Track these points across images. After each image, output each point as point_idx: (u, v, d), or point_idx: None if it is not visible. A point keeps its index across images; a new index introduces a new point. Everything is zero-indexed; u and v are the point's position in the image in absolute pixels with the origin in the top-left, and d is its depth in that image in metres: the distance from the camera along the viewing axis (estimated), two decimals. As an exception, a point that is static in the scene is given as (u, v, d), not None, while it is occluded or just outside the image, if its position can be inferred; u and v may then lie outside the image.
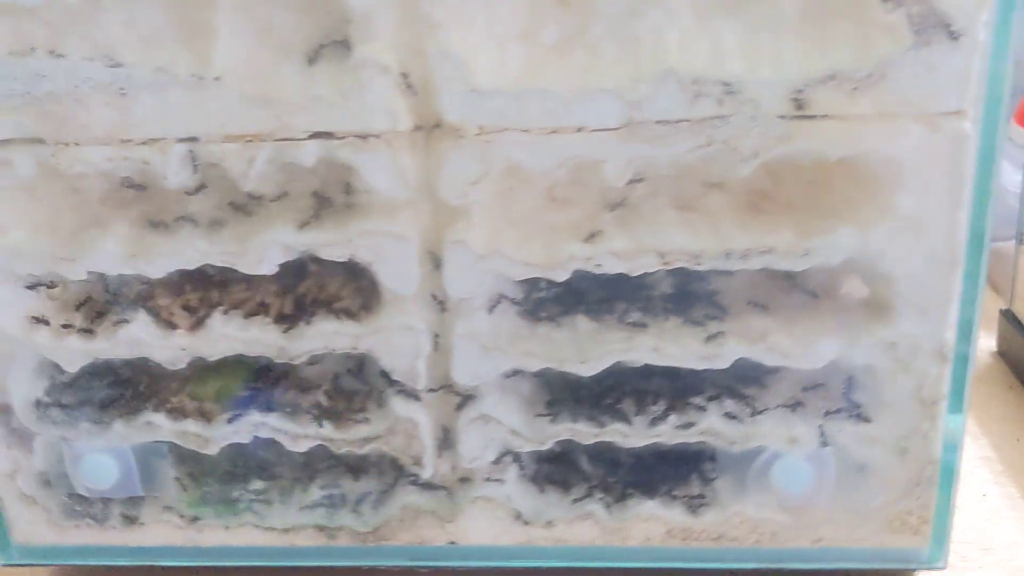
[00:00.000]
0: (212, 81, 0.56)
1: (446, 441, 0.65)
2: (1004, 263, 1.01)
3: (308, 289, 0.65)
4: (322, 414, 0.66)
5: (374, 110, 0.56)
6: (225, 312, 0.64)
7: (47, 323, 0.65)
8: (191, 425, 0.66)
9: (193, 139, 0.58)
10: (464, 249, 0.59)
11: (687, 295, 0.64)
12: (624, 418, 0.63)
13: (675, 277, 0.65)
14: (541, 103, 0.55)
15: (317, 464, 0.70)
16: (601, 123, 0.56)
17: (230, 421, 0.66)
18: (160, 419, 0.66)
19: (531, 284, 0.64)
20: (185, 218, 0.63)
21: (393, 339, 0.62)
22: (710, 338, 0.61)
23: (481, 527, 0.66)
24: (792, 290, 0.65)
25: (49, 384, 0.68)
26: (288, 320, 0.64)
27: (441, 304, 0.62)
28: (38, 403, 0.67)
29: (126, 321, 0.64)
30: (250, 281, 0.65)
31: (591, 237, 0.60)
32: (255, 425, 0.65)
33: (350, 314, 0.63)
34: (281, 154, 0.58)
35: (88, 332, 0.65)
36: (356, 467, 0.70)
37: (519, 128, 0.56)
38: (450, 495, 0.66)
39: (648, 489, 0.67)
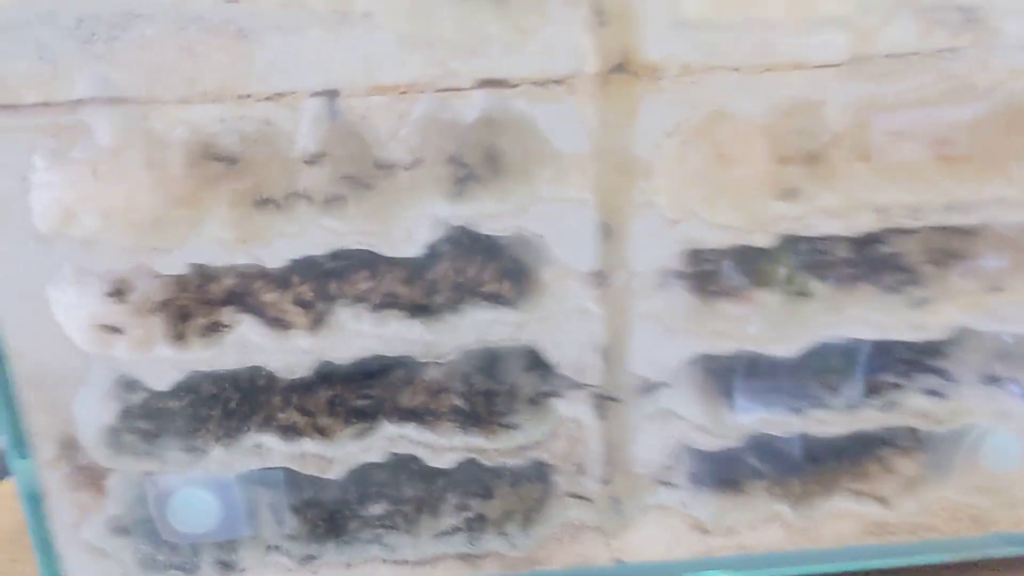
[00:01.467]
0: (359, 18, 0.46)
1: (615, 443, 0.56)
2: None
3: (444, 274, 0.55)
4: (466, 421, 0.56)
5: (557, 50, 0.47)
6: (348, 305, 0.53)
7: (120, 331, 0.53)
8: (309, 445, 0.54)
9: (332, 92, 0.47)
10: (653, 213, 0.50)
11: (867, 259, 0.57)
12: (821, 403, 0.56)
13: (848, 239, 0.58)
14: (757, 36, 0.47)
15: (446, 481, 0.59)
16: (824, 58, 0.48)
17: (357, 436, 0.55)
18: (271, 440, 0.54)
19: (695, 255, 0.55)
20: (298, 194, 0.52)
21: (563, 326, 0.52)
22: (916, 304, 0.54)
23: (652, 540, 0.57)
24: (967, 250, 0.58)
25: (122, 409, 0.55)
26: (422, 311, 0.54)
27: (604, 281, 0.53)
28: (111, 432, 0.54)
29: (221, 325, 0.53)
30: (373, 268, 0.54)
31: (790, 195, 0.52)
32: (390, 440, 0.55)
33: (502, 300, 0.53)
34: (441, 108, 0.48)
35: (179, 340, 0.53)
36: (490, 481, 0.59)
37: (729, 66, 0.48)
38: (617, 506, 0.57)
39: (831, 482, 0.59)
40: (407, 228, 0.50)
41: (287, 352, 0.52)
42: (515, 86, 0.47)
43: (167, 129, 0.47)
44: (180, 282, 0.54)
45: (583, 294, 0.52)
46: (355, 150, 0.52)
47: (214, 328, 0.53)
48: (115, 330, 0.52)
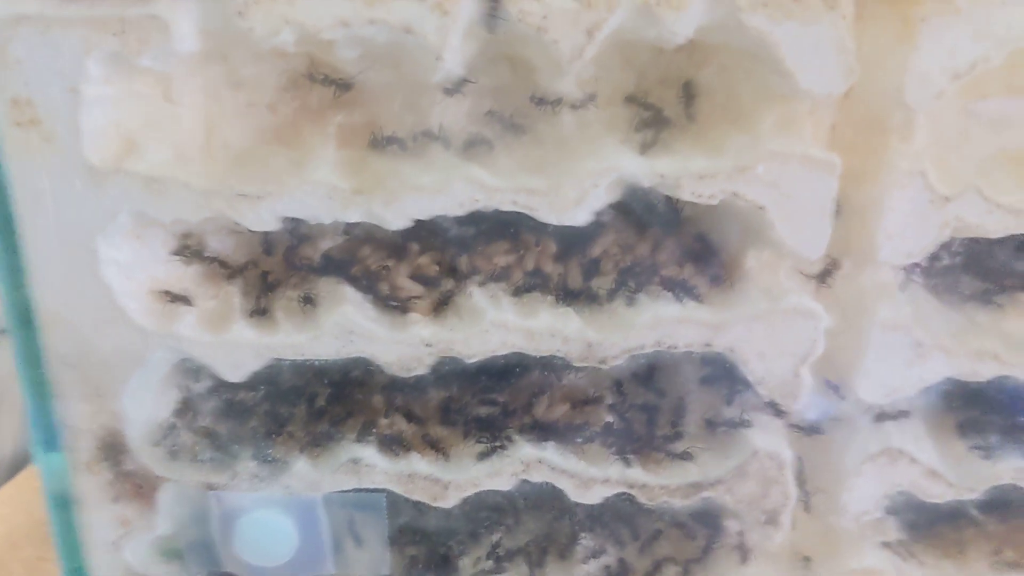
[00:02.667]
0: None
1: (819, 488, 0.42)
2: None
3: (607, 251, 0.42)
4: (622, 445, 0.43)
5: (820, -56, 0.33)
6: (482, 284, 0.40)
7: (189, 303, 0.40)
8: (421, 464, 0.42)
9: (498, -9, 0.34)
10: (919, 186, 0.37)
11: None
12: (1097, 452, 0.42)
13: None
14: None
15: (582, 516, 0.46)
16: None
17: (483, 456, 0.42)
18: (371, 454, 0.42)
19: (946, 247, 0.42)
20: (430, 134, 0.39)
21: (773, 331, 0.39)
22: None
23: (852, 614, 0.44)
24: None
25: (181, 400, 0.43)
26: (579, 299, 0.41)
27: (834, 275, 0.39)
28: (168, 431, 0.42)
29: (317, 300, 0.40)
30: (515, 238, 0.41)
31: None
32: (525, 464, 0.42)
33: (689, 291, 0.40)
34: (646, 22, 0.35)
35: (262, 316, 0.40)
36: (639, 521, 0.46)
37: (1050, -15, 0.34)
38: (808, 567, 0.44)
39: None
40: (581, 186, 0.37)
41: (404, 343, 0.39)
42: (753, -5, 0.34)
43: (270, 31, 0.34)
44: (266, 241, 0.42)
45: (804, 289, 0.39)
46: (506, 79, 0.39)
47: (309, 303, 0.40)
48: (181, 299, 0.40)
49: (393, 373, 0.40)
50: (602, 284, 0.41)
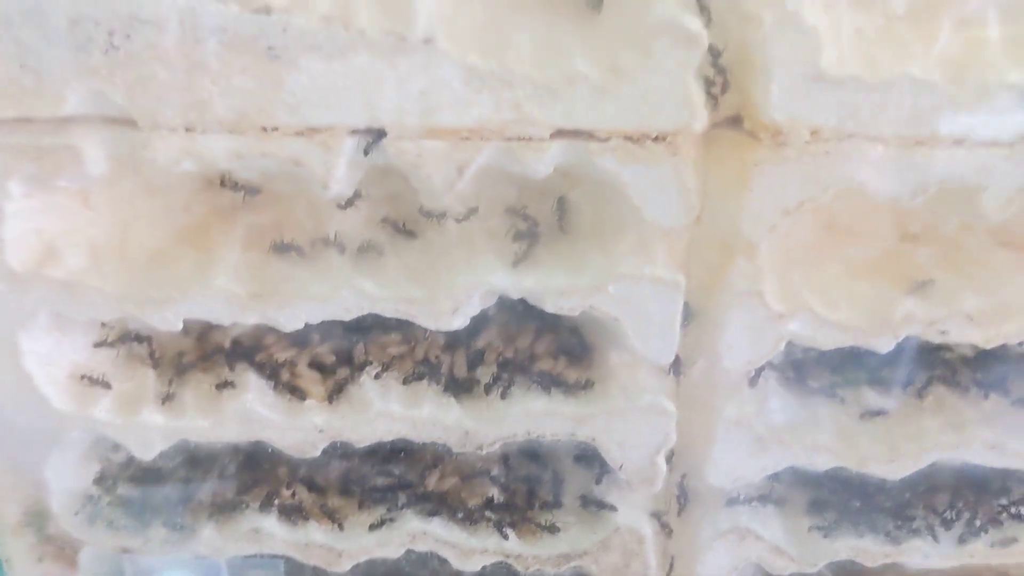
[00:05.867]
0: (418, 44, 0.36)
1: (677, 560, 0.47)
2: None
3: (490, 343, 0.46)
4: (502, 516, 0.47)
5: (661, 98, 0.37)
6: (377, 376, 0.45)
7: (107, 386, 0.44)
8: (317, 533, 0.46)
9: (376, 132, 0.38)
10: (756, 304, 0.41)
11: (992, 364, 0.48)
12: (926, 532, 0.47)
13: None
14: (912, 100, 0.37)
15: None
16: (993, 134, 0.38)
17: (374, 528, 0.46)
18: (271, 524, 0.46)
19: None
20: (327, 241, 0.43)
21: (631, 425, 0.43)
22: (1055, 427, 0.45)
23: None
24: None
25: (101, 469, 0.47)
26: (461, 388, 0.45)
27: (682, 375, 0.44)
28: (87, 499, 0.46)
29: (228, 384, 0.44)
30: (407, 330, 0.45)
31: (919, 288, 0.43)
32: (411, 536, 0.46)
33: (559, 382, 0.45)
34: (509, 160, 0.39)
35: (170, 400, 0.44)
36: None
37: (870, 136, 0.38)
38: (669, 629, 0.49)
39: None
40: (455, 298, 0.41)
41: (299, 429, 0.44)
42: (604, 140, 0.38)
43: (171, 161, 0.38)
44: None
45: (658, 389, 0.43)
46: (397, 190, 0.43)
47: (221, 386, 0.44)
48: (100, 383, 0.44)
49: (289, 455, 0.44)
50: (486, 373, 0.46)
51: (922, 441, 0.44)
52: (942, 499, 0.47)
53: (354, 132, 0.38)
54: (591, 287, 0.41)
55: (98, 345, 0.44)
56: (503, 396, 0.44)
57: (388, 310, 0.41)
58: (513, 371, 0.45)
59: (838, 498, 0.47)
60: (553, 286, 0.41)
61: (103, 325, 0.45)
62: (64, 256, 0.41)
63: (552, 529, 0.47)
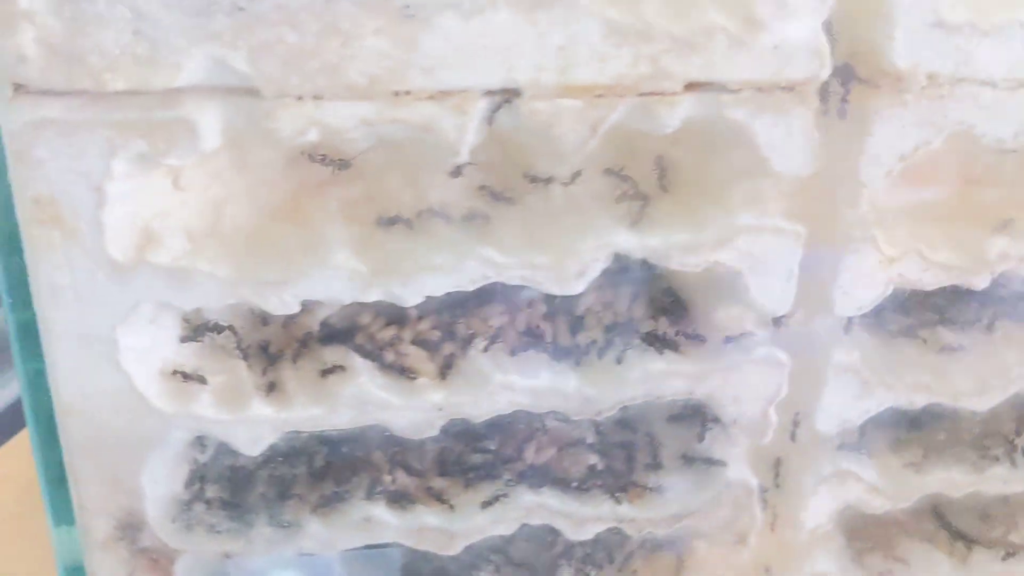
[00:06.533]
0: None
1: (778, 512, 0.48)
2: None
3: (590, 308, 0.45)
4: (609, 483, 0.47)
5: (793, 48, 0.37)
6: (485, 349, 0.44)
7: (202, 380, 0.41)
8: (429, 516, 0.45)
9: (511, 92, 0.37)
10: (869, 250, 0.42)
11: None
12: (1005, 459, 0.49)
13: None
14: (1021, 44, 0.39)
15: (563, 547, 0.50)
16: (1095, 75, 0.40)
17: (487, 505, 0.45)
18: (381, 511, 0.44)
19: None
20: (431, 211, 0.41)
21: (745, 378, 0.44)
22: None
23: (808, 615, 0.50)
24: None
25: (189, 472, 0.44)
26: (565, 354, 0.44)
27: (793, 326, 0.44)
28: (183, 505, 0.43)
29: (337, 369, 0.42)
30: (508, 300, 0.44)
31: (1003, 227, 0.45)
32: (525, 510, 0.45)
33: (668, 344, 0.44)
34: (642, 116, 0.38)
35: (272, 391, 0.42)
36: (614, 548, 0.51)
37: (980, 80, 0.40)
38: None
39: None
40: (582, 262, 0.40)
41: (417, 409, 0.42)
42: (735, 91, 0.38)
43: (295, 131, 0.36)
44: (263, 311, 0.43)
45: (770, 340, 0.44)
46: (497, 156, 0.42)
47: (327, 372, 0.42)
48: (196, 378, 0.41)
49: (406, 436, 0.43)
50: (586, 338, 0.45)
51: (1008, 372, 0.46)
52: (1009, 427, 0.50)
53: (488, 93, 0.37)
54: (716, 242, 0.41)
55: (185, 340, 0.41)
56: (619, 361, 0.44)
57: (514, 277, 0.40)
58: (619, 335, 0.45)
59: (918, 435, 0.49)
60: (678, 243, 0.41)
61: (186, 317, 0.42)
62: (163, 240, 0.38)
63: (660, 490, 0.47)
